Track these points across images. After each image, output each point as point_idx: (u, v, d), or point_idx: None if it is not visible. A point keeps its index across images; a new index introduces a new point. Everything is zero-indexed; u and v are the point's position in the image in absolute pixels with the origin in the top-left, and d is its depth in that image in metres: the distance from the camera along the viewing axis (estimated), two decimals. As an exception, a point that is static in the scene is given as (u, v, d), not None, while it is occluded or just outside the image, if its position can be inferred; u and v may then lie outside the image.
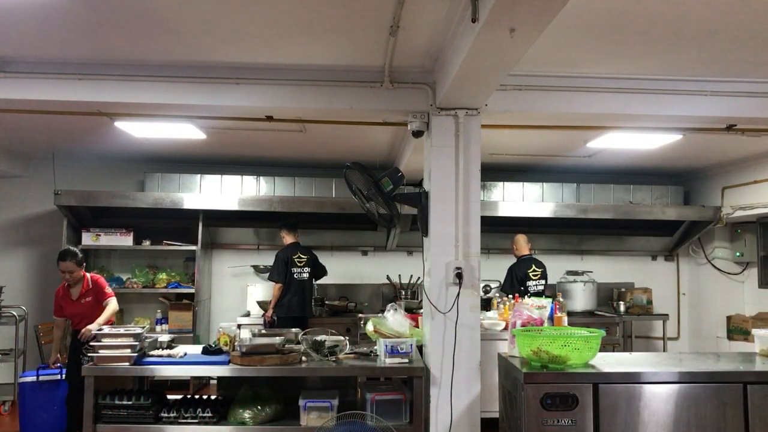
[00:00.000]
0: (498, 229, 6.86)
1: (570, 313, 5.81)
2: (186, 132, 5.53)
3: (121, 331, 3.96)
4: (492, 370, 4.13)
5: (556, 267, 7.59)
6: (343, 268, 7.55)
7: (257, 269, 7.41)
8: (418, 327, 4.62)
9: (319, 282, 6.82)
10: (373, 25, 3.40)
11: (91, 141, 6.12)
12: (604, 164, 7.05)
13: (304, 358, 4.00)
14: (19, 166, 6.99)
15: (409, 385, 3.95)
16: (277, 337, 4.05)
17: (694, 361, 3.76)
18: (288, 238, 6.48)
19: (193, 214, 6.74)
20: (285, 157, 6.96)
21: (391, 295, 7.34)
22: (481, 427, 3.94)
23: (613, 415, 3.04)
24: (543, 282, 6.40)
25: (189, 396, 4.18)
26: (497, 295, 6.20)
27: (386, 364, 3.89)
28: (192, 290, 6.79)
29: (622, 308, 7.30)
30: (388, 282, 7.38)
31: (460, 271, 3.93)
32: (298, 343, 4.13)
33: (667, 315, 7.51)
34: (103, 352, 3.82)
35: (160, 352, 4.06)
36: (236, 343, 3.96)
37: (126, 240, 6.68)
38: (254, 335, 4.31)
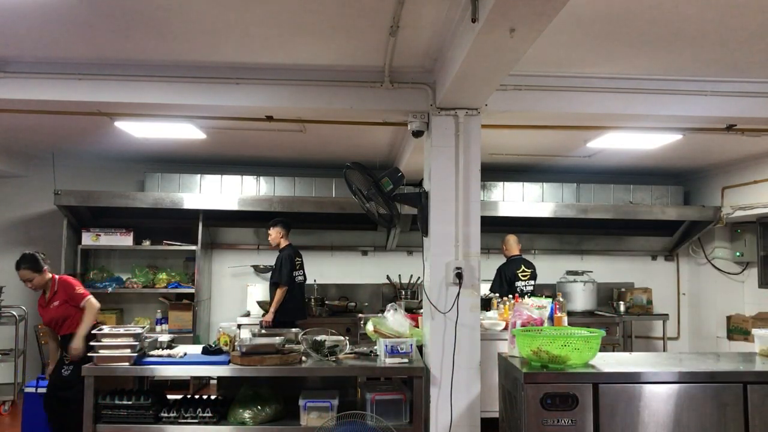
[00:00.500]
0: (498, 229, 6.85)
1: (570, 313, 5.80)
2: (186, 132, 5.52)
3: (121, 331, 3.95)
4: (492, 370, 4.13)
5: (556, 267, 7.61)
6: (343, 268, 7.56)
7: (257, 269, 7.42)
8: (418, 327, 4.62)
9: (319, 282, 6.78)
10: (373, 25, 3.40)
11: (91, 141, 6.12)
12: (604, 164, 7.05)
13: (304, 358, 4.00)
14: (19, 166, 6.99)
15: (409, 385, 3.95)
16: (277, 337, 4.05)
17: (694, 361, 3.76)
18: (285, 239, 6.20)
19: (193, 214, 6.74)
20: (285, 157, 6.96)
21: (391, 295, 7.33)
22: (481, 427, 3.94)
23: (613, 415, 3.04)
24: (532, 283, 6.38)
25: (189, 396, 4.18)
26: (489, 294, 6.17)
27: (386, 364, 3.88)
28: (192, 290, 6.79)
29: (622, 308, 7.30)
30: (388, 282, 7.37)
31: (460, 271, 3.93)
32: (298, 343, 4.13)
33: (667, 315, 7.51)
34: (103, 352, 3.82)
35: (160, 352, 4.06)
36: (236, 343, 3.96)
37: (126, 240, 6.68)
38: (254, 335, 4.31)
